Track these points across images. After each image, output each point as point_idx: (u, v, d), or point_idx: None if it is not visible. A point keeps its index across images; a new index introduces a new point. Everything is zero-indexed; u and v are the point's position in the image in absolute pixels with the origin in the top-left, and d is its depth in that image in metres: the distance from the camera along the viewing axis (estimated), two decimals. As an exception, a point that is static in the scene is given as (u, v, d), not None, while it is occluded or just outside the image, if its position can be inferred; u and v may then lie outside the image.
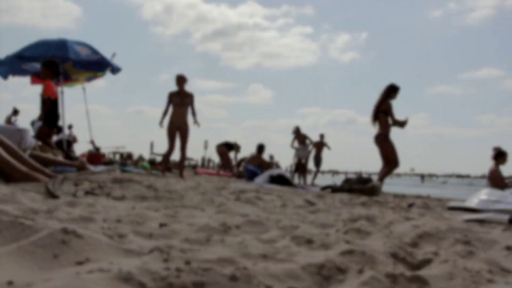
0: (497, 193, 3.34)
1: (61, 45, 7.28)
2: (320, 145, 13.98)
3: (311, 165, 14.45)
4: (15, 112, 11.50)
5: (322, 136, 14.14)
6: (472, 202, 3.32)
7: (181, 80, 7.20)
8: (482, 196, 3.33)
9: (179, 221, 1.77)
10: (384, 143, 6.20)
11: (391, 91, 6.27)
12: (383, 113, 6.22)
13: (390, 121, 6.29)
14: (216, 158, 30.54)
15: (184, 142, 7.26)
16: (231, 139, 13.91)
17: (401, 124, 6.21)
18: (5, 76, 7.37)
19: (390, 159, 6.25)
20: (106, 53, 7.96)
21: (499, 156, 7.10)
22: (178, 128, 7.16)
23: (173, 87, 7.21)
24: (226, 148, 12.83)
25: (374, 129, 6.42)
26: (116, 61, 8.02)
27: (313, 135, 13.59)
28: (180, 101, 7.16)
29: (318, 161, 14.02)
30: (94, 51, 7.63)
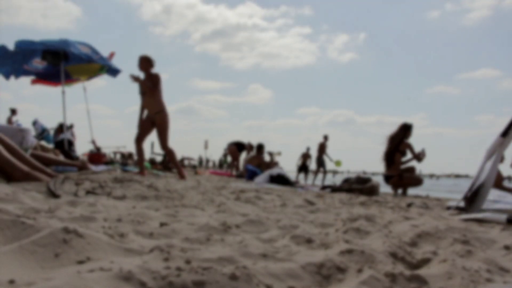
0: (495, 193, 3.35)
1: (63, 41, 7.30)
2: (322, 147, 13.79)
3: (313, 165, 14.35)
4: (13, 111, 11.49)
5: (325, 138, 13.88)
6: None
7: (141, 62, 5.76)
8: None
9: (179, 221, 1.78)
10: (403, 181, 6.17)
11: (407, 130, 6.24)
12: (400, 153, 6.23)
13: (404, 159, 6.29)
14: (216, 158, 30.60)
15: (160, 136, 5.82)
16: (230, 138, 13.65)
17: (420, 158, 6.20)
18: (7, 76, 7.38)
19: (417, 184, 6.24)
20: (106, 54, 7.97)
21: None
22: (151, 120, 5.82)
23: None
24: (236, 147, 12.47)
25: (384, 168, 6.33)
26: (115, 62, 8.03)
27: (312, 135, 13.50)
28: (142, 87, 5.82)
29: (319, 162, 13.81)
30: (94, 51, 7.65)
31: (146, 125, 5.81)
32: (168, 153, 6.00)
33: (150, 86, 5.67)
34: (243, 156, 12.00)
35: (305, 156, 14.99)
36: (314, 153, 14.13)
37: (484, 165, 3.01)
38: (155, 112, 5.75)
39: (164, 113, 5.80)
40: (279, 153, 11.59)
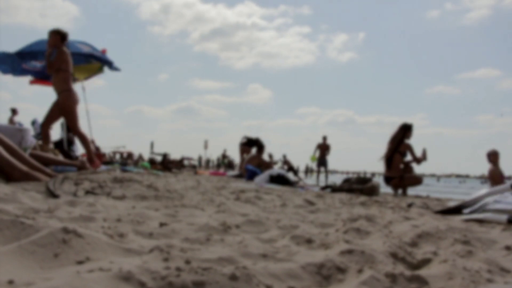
0: (496, 191, 3.33)
1: None
2: (323, 147, 13.99)
3: (315, 165, 14.53)
4: (14, 111, 11.46)
5: (324, 138, 14.10)
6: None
7: (50, 37, 5.08)
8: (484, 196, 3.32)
9: (179, 221, 1.77)
10: (403, 182, 6.15)
11: (406, 130, 6.17)
12: (399, 154, 6.18)
13: (405, 160, 6.25)
14: (215, 158, 30.66)
15: (67, 118, 5.17)
16: (230, 138, 13.64)
17: (421, 160, 6.17)
18: (4, 72, 7.37)
19: (417, 183, 6.23)
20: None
21: (493, 155, 7.20)
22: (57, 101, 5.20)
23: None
24: (247, 146, 12.32)
25: (384, 169, 6.29)
26: (114, 61, 8.02)
27: (312, 135, 13.62)
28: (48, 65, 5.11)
29: (322, 162, 14.02)
30: (95, 49, 7.65)
31: (53, 108, 5.18)
32: (80, 137, 5.33)
33: (54, 63, 5.02)
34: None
35: (286, 163, 15.31)
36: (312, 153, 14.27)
37: (482, 197, 3.03)
38: (59, 91, 5.11)
39: (68, 93, 5.11)
40: (276, 163, 11.63)
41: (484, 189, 3.27)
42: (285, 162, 15.64)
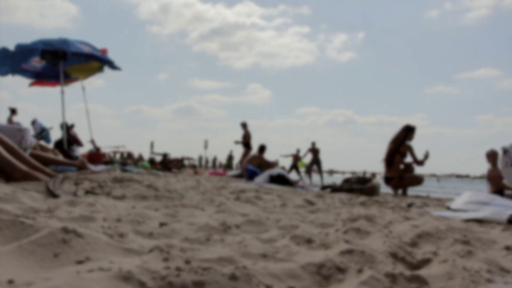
0: (484, 195, 3.33)
1: (63, 41, 7.29)
2: (314, 150, 15.60)
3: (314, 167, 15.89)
4: (13, 111, 11.41)
5: (313, 144, 15.67)
6: (458, 204, 3.28)
7: None
8: (469, 198, 3.29)
9: (179, 221, 1.77)
10: (403, 182, 6.14)
11: (409, 132, 6.16)
12: (400, 155, 6.17)
13: (406, 161, 6.22)
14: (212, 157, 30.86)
15: None
16: (230, 138, 13.84)
17: (422, 162, 6.16)
18: (3, 74, 7.37)
19: (417, 183, 6.23)
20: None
21: (492, 156, 7.21)
22: None
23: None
24: (247, 148, 12.57)
25: (384, 169, 6.28)
26: (114, 61, 8.04)
27: (312, 135, 14.20)
28: None
29: (316, 162, 15.48)
30: (95, 49, 7.65)
31: None
32: None
33: None
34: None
35: (296, 157, 16.33)
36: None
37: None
38: None
39: None
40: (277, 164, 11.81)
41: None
42: (294, 156, 16.38)
